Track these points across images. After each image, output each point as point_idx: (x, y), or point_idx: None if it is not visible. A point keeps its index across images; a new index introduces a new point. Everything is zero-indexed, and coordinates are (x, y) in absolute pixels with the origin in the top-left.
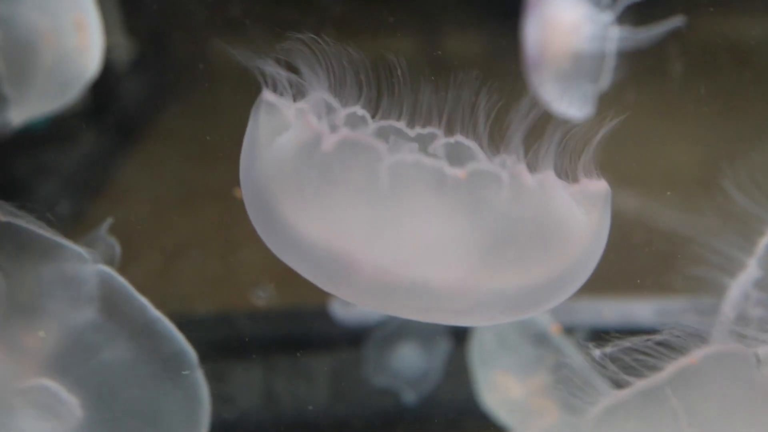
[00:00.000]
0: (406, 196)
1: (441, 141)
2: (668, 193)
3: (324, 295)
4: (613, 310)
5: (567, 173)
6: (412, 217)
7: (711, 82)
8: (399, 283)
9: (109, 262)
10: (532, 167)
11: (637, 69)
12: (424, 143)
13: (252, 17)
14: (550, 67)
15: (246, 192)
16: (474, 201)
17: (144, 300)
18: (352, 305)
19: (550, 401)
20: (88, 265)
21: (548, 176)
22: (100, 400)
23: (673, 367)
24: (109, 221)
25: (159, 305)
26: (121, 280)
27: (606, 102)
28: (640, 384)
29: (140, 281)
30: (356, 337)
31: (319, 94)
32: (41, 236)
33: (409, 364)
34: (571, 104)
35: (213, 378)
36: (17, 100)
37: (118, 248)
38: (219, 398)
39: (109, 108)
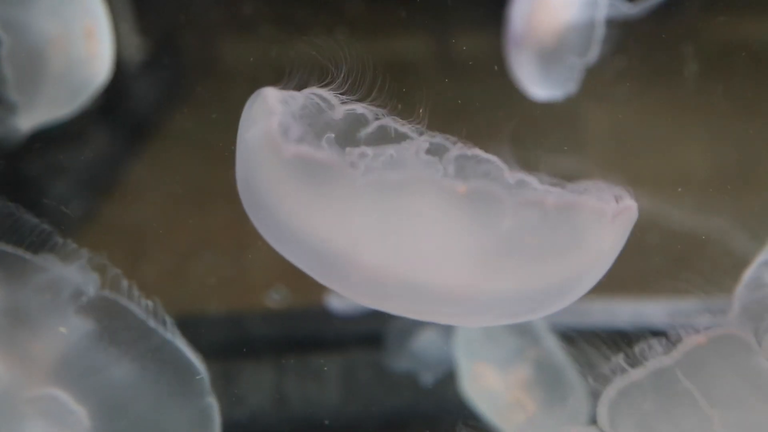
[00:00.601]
0: (390, 204)
1: (454, 152)
2: (679, 189)
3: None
4: (625, 311)
5: (595, 189)
6: (400, 221)
7: (725, 83)
8: (395, 283)
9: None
10: (552, 183)
11: (652, 69)
12: (437, 152)
13: (264, 17)
14: (534, 43)
15: (239, 183)
16: (474, 218)
17: (152, 322)
18: (347, 300)
19: (528, 395)
20: (88, 277)
21: (562, 196)
22: (108, 413)
23: (681, 348)
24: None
25: (170, 305)
26: (125, 302)
27: (621, 103)
28: (650, 364)
29: (151, 281)
30: (368, 338)
31: (314, 91)
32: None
33: (429, 347)
34: (553, 82)
35: (223, 378)
36: (25, 107)
37: (96, 283)
38: (229, 399)
39: (120, 108)
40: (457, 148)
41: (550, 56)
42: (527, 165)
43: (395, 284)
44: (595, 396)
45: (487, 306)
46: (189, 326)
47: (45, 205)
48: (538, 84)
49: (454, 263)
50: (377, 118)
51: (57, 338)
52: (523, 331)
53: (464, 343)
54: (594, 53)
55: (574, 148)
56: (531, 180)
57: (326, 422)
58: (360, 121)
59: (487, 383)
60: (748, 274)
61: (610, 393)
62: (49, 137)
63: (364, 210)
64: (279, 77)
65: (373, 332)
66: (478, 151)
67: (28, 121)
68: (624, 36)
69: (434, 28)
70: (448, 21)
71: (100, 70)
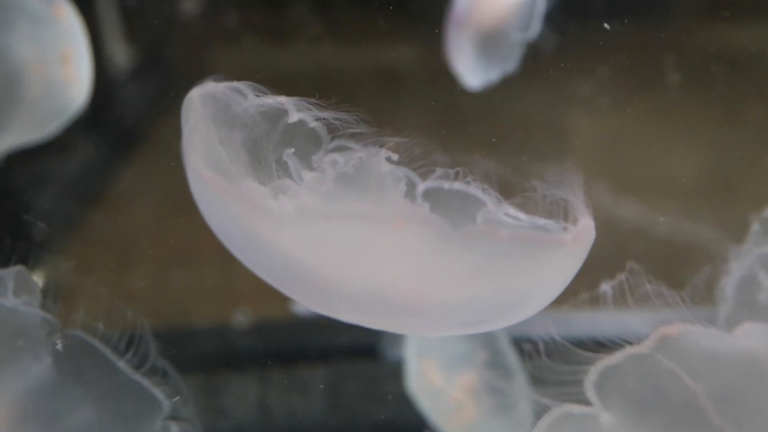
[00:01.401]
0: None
1: (426, 184)
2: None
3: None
4: (608, 320)
5: (553, 207)
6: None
7: (709, 91)
8: (351, 293)
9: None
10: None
11: (636, 78)
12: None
13: (252, 26)
14: (477, 21)
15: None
16: (420, 245)
17: (114, 358)
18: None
19: (472, 399)
20: (51, 318)
21: (518, 230)
22: None
23: (653, 338)
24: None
25: (155, 316)
26: (91, 341)
27: (606, 111)
28: (626, 351)
29: (136, 291)
30: (353, 349)
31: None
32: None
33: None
34: (493, 62)
35: (208, 390)
36: None
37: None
38: (214, 411)
39: (107, 117)
40: (433, 177)
41: (492, 33)
42: (514, 174)
43: (352, 293)
44: (540, 407)
45: (438, 318)
46: (174, 337)
47: (29, 217)
48: (478, 67)
49: (400, 280)
50: (334, 136)
51: (19, 381)
52: (479, 336)
53: (416, 339)
54: (535, 28)
55: (561, 156)
56: (501, 210)
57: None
58: (319, 135)
59: (432, 381)
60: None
61: (592, 375)
62: (34, 146)
63: (292, 238)
64: (267, 85)
65: (358, 344)
66: (453, 182)
67: (1, 144)
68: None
69: (423, 38)
70: (437, 30)
71: (76, 96)
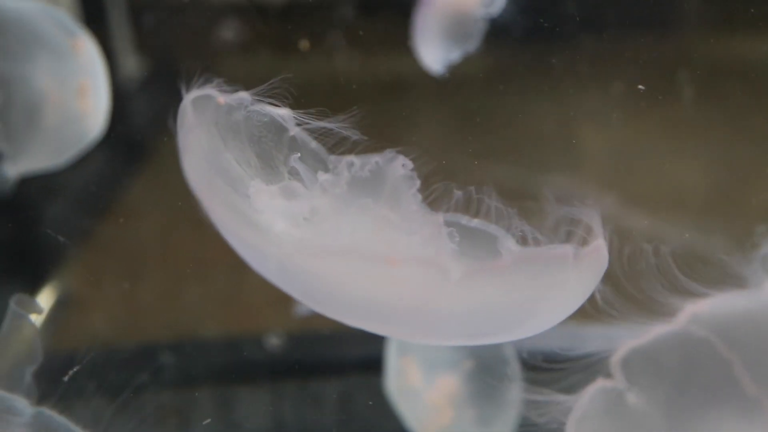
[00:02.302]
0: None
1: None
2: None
3: (333, 320)
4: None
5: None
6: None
7: (720, 103)
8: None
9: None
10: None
11: (647, 91)
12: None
13: (262, 36)
14: (443, 3)
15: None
16: (419, 282)
17: None
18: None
19: (450, 403)
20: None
21: (519, 254)
22: None
23: (685, 312)
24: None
25: (166, 327)
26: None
27: (616, 123)
28: (657, 328)
29: (147, 302)
30: (366, 362)
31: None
32: None
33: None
34: (457, 41)
35: (220, 403)
36: (14, 157)
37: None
38: (226, 424)
39: (118, 126)
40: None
41: (457, 13)
42: (524, 186)
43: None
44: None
45: (440, 332)
46: (185, 349)
47: (42, 223)
48: (442, 47)
49: (400, 309)
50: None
51: None
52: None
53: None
54: (498, 3)
55: (571, 169)
56: (510, 235)
57: None
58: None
59: (410, 382)
60: None
61: (620, 353)
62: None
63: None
64: (276, 97)
65: (371, 356)
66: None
67: (15, 169)
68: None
69: None
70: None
71: (91, 128)
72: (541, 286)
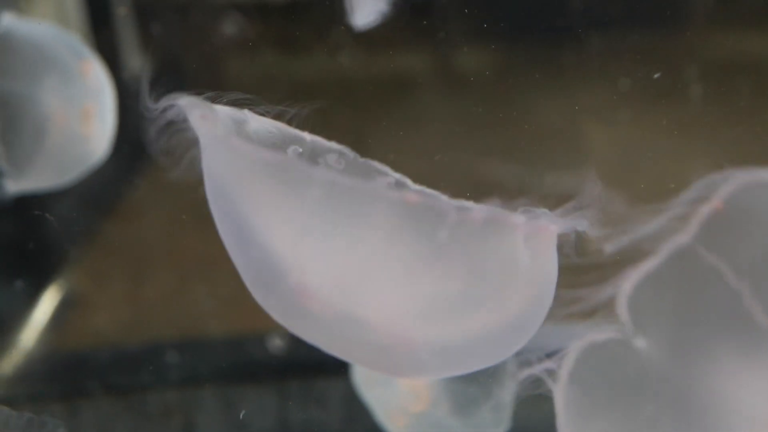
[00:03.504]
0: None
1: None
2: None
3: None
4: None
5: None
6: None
7: (730, 99)
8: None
9: None
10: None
11: (655, 88)
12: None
13: (267, 37)
14: None
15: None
16: (414, 229)
17: None
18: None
19: (426, 389)
20: None
21: (494, 213)
22: None
23: (697, 220)
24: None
25: (171, 327)
26: None
27: (624, 121)
28: (666, 247)
29: (153, 302)
30: None
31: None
32: None
33: None
34: None
35: (225, 403)
36: (15, 175)
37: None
38: (232, 423)
39: (123, 127)
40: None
41: None
42: (529, 183)
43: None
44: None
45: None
46: (190, 349)
47: (47, 223)
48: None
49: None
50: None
51: None
52: None
53: None
54: None
55: (578, 166)
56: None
57: None
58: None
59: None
60: None
61: (626, 289)
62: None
63: (315, 220)
64: (281, 94)
65: None
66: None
67: (16, 186)
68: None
69: (438, 46)
70: (450, 38)
71: (94, 151)
72: (491, 256)
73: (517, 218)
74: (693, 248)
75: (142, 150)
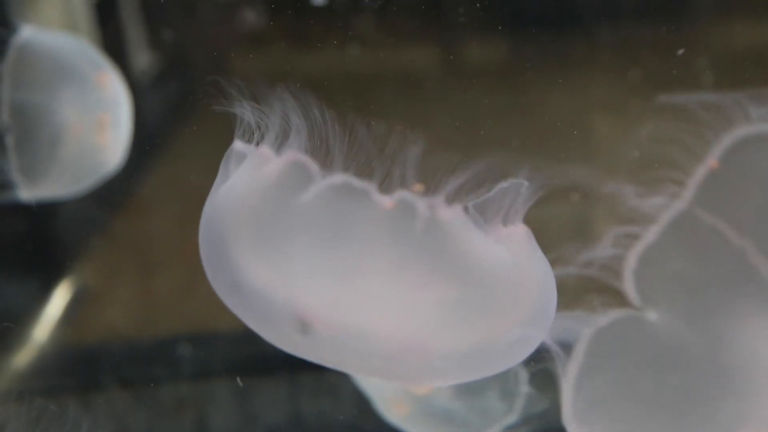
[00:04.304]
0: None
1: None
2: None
3: None
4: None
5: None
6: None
7: (740, 91)
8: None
9: None
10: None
11: (665, 78)
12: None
13: (275, 30)
14: None
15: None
16: (394, 230)
17: None
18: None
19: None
20: None
21: (462, 215)
22: None
23: (692, 183)
24: None
25: (184, 321)
26: None
27: (631, 111)
28: (664, 216)
29: (164, 296)
30: None
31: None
32: None
33: None
34: None
35: (238, 395)
36: (28, 185)
37: None
38: (245, 416)
39: (132, 123)
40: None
41: None
42: (537, 175)
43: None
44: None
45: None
46: (202, 342)
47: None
48: None
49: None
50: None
51: None
52: None
53: None
54: None
55: (585, 158)
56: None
57: None
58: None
59: None
60: None
61: (630, 263)
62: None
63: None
64: (290, 92)
65: None
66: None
67: (30, 194)
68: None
69: (444, 40)
70: (457, 32)
71: (109, 160)
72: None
73: (485, 224)
74: (691, 212)
75: (152, 145)
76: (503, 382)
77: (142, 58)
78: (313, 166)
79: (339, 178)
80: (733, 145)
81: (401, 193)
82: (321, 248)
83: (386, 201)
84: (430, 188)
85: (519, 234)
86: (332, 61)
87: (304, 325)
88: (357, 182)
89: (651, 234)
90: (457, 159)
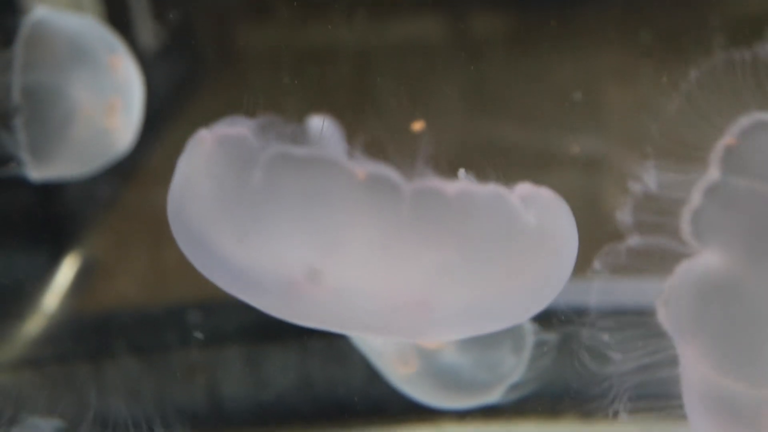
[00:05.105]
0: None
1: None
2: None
3: None
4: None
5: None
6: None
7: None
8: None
9: None
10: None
11: (676, 44)
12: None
13: (280, 1)
14: None
15: (176, 222)
16: (373, 205)
17: None
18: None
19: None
20: None
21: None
22: None
23: (715, 157)
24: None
25: (192, 289)
26: None
27: (641, 79)
28: (698, 188)
29: (173, 265)
30: None
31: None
32: None
33: None
34: None
35: (249, 362)
36: (37, 164)
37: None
38: (255, 382)
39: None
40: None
41: None
42: (547, 145)
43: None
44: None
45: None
46: (213, 310)
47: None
48: None
49: (361, 252)
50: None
51: None
52: None
53: None
54: None
55: (596, 126)
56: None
57: (355, 399)
58: None
59: None
60: None
61: (685, 228)
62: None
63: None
64: (296, 61)
65: None
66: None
67: (38, 174)
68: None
69: (452, 10)
70: (463, 2)
71: (118, 144)
72: (499, 231)
73: (513, 188)
74: (723, 180)
75: (158, 117)
76: (515, 336)
77: (147, 32)
78: (251, 139)
79: (278, 147)
80: (752, 125)
81: (376, 164)
82: (299, 219)
83: (359, 170)
84: (433, 159)
85: (543, 196)
86: (339, 31)
87: (297, 292)
88: (324, 154)
89: (692, 204)
90: (462, 131)
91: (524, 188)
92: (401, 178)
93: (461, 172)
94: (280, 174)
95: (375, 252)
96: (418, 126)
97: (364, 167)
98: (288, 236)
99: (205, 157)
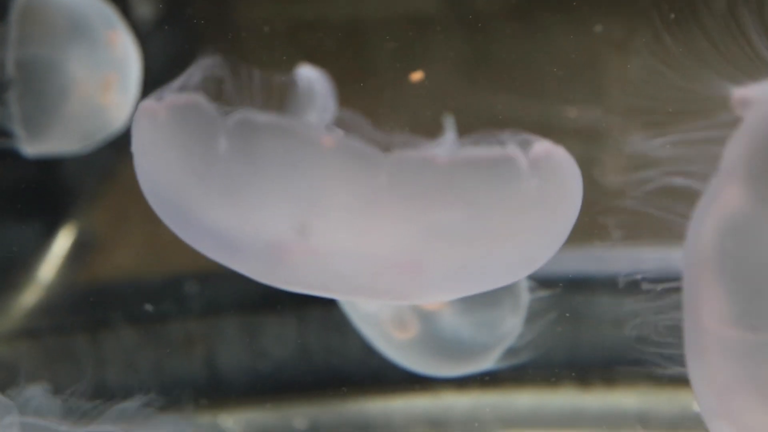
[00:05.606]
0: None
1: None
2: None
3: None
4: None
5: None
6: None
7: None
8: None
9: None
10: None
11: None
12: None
13: None
14: None
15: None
16: (347, 173)
17: None
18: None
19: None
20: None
21: (460, 153)
22: None
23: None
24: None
25: (190, 262)
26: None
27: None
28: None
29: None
30: None
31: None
32: None
33: None
34: None
35: (247, 332)
36: (31, 139)
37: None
38: (253, 352)
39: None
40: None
41: None
42: (548, 117)
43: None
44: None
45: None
46: (210, 281)
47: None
48: None
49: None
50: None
51: None
52: None
53: None
54: None
55: (595, 98)
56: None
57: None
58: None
59: None
60: None
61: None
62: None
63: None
64: (293, 37)
65: None
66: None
67: (33, 149)
68: None
69: None
70: None
71: (113, 120)
72: (497, 194)
73: (513, 149)
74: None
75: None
76: (513, 295)
77: (144, 6)
78: (205, 105)
79: (241, 114)
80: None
81: (348, 134)
82: (272, 184)
83: (326, 137)
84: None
85: (554, 156)
86: (337, 3)
87: (280, 256)
88: (283, 120)
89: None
90: (461, 102)
91: (541, 146)
92: (376, 148)
93: (447, 121)
94: (246, 140)
95: (355, 216)
96: (416, 77)
97: (334, 134)
98: (264, 201)
99: (162, 128)
